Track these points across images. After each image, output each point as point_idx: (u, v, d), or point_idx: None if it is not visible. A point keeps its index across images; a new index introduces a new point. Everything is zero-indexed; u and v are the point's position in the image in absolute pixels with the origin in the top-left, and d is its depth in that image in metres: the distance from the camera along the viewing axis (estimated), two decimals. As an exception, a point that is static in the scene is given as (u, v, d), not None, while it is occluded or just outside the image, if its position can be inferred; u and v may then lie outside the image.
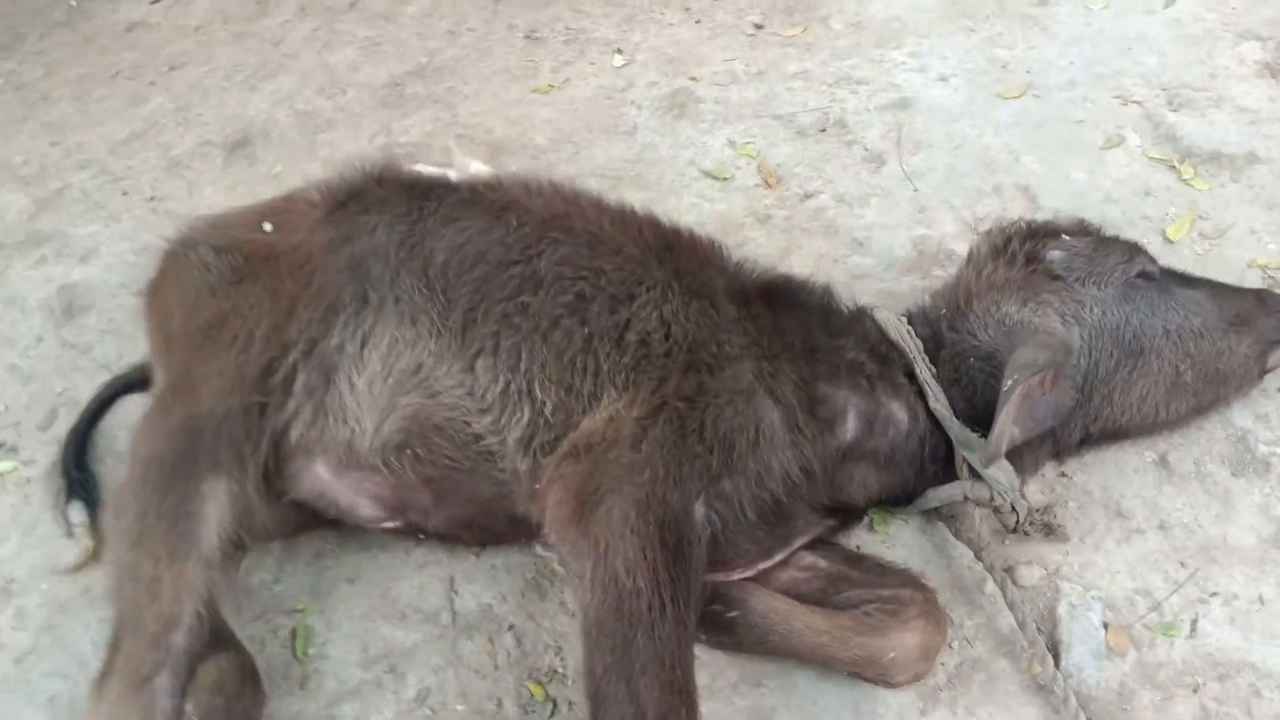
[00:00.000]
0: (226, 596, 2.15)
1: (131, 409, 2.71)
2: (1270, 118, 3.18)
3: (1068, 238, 2.34)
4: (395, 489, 2.16)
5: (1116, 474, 2.39)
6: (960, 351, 2.29)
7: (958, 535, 2.28)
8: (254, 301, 2.20)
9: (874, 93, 3.50)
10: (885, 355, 2.28)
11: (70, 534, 2.49)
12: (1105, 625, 2.11)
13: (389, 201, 2.33)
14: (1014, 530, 2.27)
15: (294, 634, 2.27)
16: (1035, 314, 2.26)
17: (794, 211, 3.11)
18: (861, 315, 2.40)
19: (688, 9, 4.21)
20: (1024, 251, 2.34)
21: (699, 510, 1.97)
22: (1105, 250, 2.33)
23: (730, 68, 3.75)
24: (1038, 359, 2.13)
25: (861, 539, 2.34)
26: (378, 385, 2.13)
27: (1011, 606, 2.12)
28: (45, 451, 2.71)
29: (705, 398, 2.04)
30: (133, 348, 2.92)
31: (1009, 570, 2.23)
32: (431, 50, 4.09)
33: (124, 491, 2.12)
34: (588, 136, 3.53)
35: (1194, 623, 2.11)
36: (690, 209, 3.18)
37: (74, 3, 4.85)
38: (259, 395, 2.12)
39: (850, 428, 2.18)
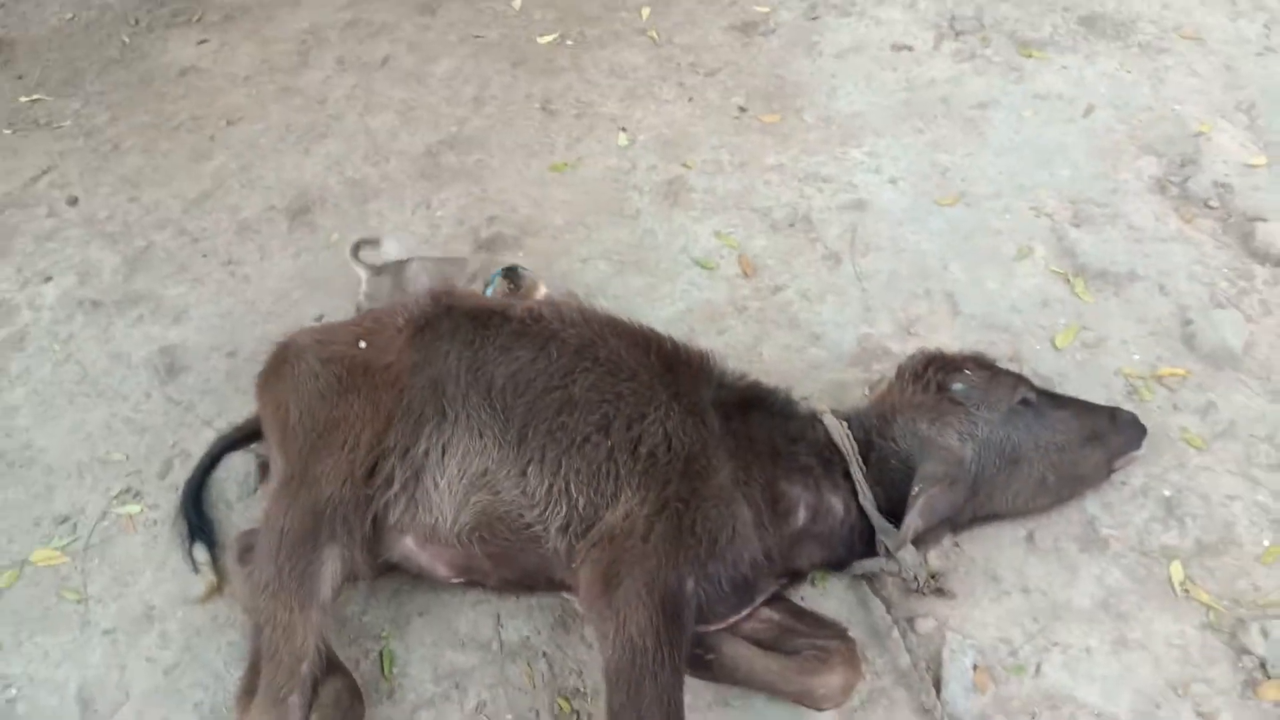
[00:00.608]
0: (333, 629, 2.92)
1: (236, 463, 3.44)
2: (1153, 237, 3.92)
3: (969, 372, 3.10)
4: (464, 558, 2.91)
5: (995, 546, 3.17)
6: (884, 455, 3.06)
7: (875, 593, 3.08)
8: (359, 412, 2.90)
9: (835, 191, 4.19)
10: (829, 459, 3.04)
11: (196, 571, 3.20)
12: (975, 666, 2.93)
13: (457, 330, 3.02)
14: (915, 591, 3.07)
15: (381, 656, 3.04)
16: (939, 432, 3.03)
17: (765, 303, 3.83)
18: (813, 420, 3.14)
19: (681, 84, 4.84)
20: (935, 380, 3.10)
21: (690, 585, 2.74)
22: (997, 382, 3.09)
23: (717, 156, 4.41)
24: (938, 472, 2.92)
25: (806, 591, 3.13)
26: (455, 484, 2.86)
27: (909, 650, 2.93)
28: (165, 497, 3.40)
29: (697, 500, 2.80)
30: (228, 406, 3.61)
31: (910, 620, 3.03)
32: (460, 119, 4.69)
33: (261, 554, 2.83)
34: (597, 219, 4.20)
35: (1038, 666, 2.92)
36: (682, 295, 3.89)
37: (126, 39, 5.35)
38: (366, 488, 2.85)
39: (801, 517, 2.95)
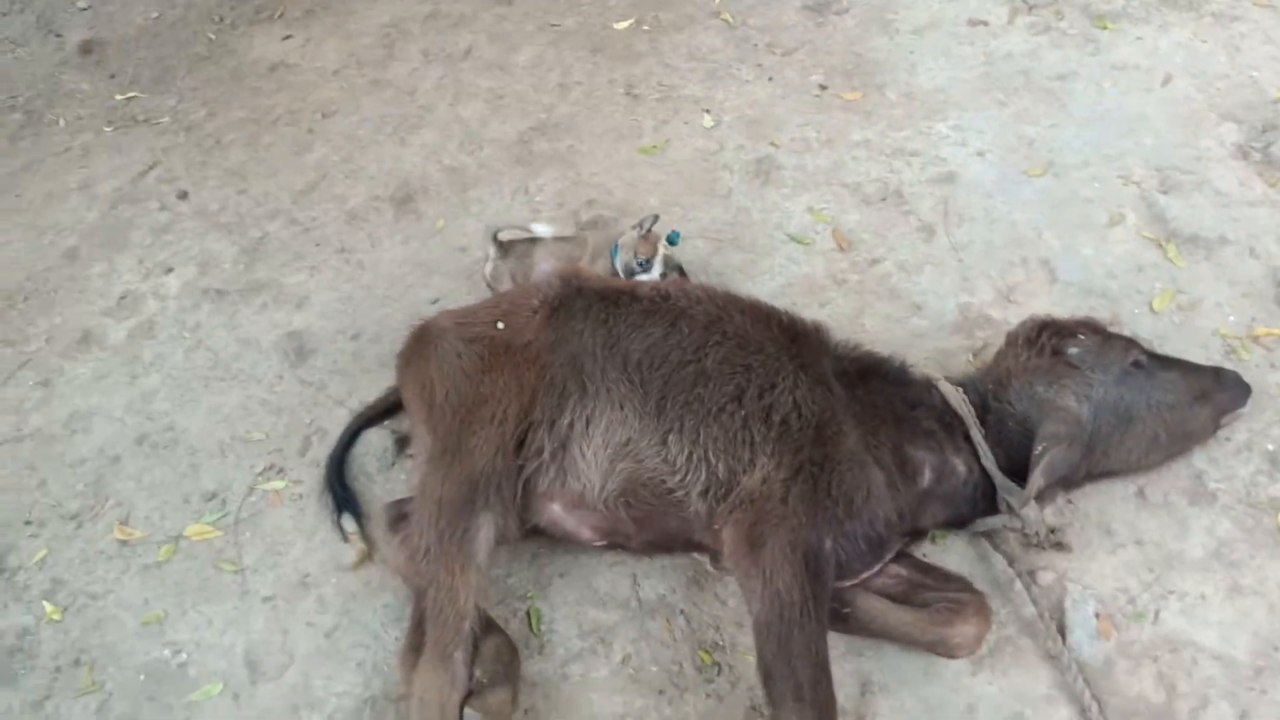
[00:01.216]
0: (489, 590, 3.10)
1: (373, 439, 3.61)
2: (1240, 201, 4.03)
3: (1082, 336, 3.24)
4: (610, 522, 3.08)
5: (1108, 502, 3.31)
6: (1001, 418, 3.20)
7: (995, 548, 3.23)
8: (505, 388, 3.07)
9: (924, 165, 4.32)
10: (949, 423, 3.18)
11: (346, 540, 3.38)
12: (1097, 615, 3.08)
13: (590, 309, 3.18)
14: (1035, 545, 3.23)
15: (528, 614, 3.21)
16: (1057, 394, 3.17)
17: (864, 276, 3.97)
18: (929, 386, 3.29)
19: (760, 65, 4.96)
20: (1050, 345, 3.24)
21: (828, 544, 2.90)
22: (1109, 345, 3.22)
23: (803, 134, 4.54)
24: (1059, 432, 3.06)
25: (926, 549, 3.29)
26: (600, 453, 3.02)
27: (1034, 601, 3.08)
28: (307, 473, 3.58)
29: (830, 463, 2.95)
30: (358, 385, 3.78)
31: (1031, 574, 3.18)
32: (548, 106, 4.83)
33: (420, 523, 3.00)
34: (691, 199, 4.34)
35: (1157, 613, 3.07)
36: (780, 270, 4.03)
37: (212, 36, 5.52)
38: (516, 459, 3.02)
39: (927, 478, 3.11)
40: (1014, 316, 3.74)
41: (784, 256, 4.08)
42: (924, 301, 3.85)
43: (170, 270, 4.27)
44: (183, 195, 4.60)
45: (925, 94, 4.63)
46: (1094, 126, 4.39)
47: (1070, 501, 3.36)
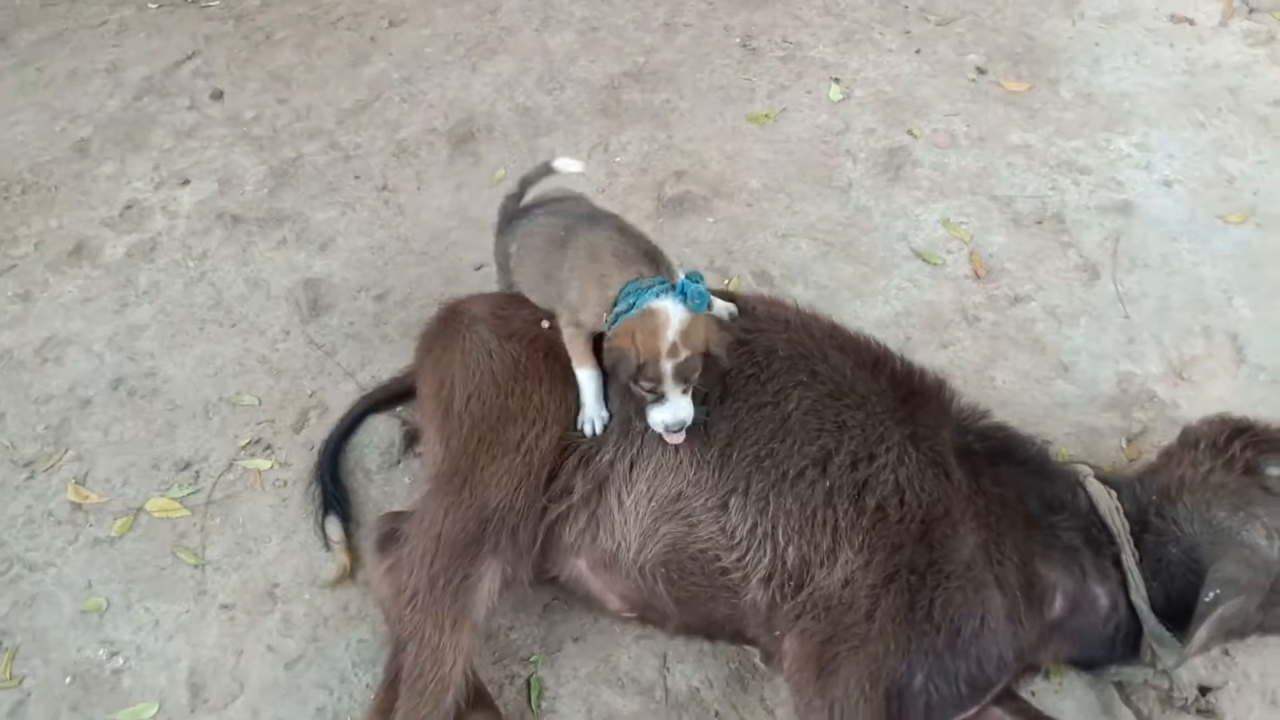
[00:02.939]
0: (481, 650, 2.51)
1: (379, 428, 3.02)
2: None
3: (1289, 456, 2.48)
4: (644, 594, 2.44)
5: (1275, 661, 2.61)
6: (1163, 541, 2.47)
7: (1126, 702, 2.54)
8: (539, 406, 2.42)
9: (1095, 187, 3.51)
10: (1095, 538, 2.47)
11: (328, 548, 2.82)
12: (1247, 812, 2.40)
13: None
14: (1179, 708, 2.52)
15: (528, 684, 2.62)
16: (1244, 525, 2.41)
17: (1002, 316, 3.22)
18: (1074, 484, 2.57)
19: (908, 33, 4.16)
20: (1243, 459, 2.49)
21: (918, 681, 2.24)
22: (1321, 473, 2.46)
23: (950, 125, 3.75)
24: (1241, 579, 2.32)
25: (1036, 685, 2.61)
26: (642, 506, 2.38)
27: (1166, 782, 2.41)
28: (298, 455, 3.01)
29: (936, 575, 2.27)
30: (374, 357, 3.20)
31: (1167, 744, 2.50)
32: (648, 48, 4.10)
33: (412, 558, 2.40)
34: (801, 187, 3.60)
35: (1327, 826, 2.38)
36: (899, 292, 3.30)
37: (282, -84, 4.84)
38: (542, 498, 2.39)
39: (1058, 608, 2.40)
40: (1185, 399, 3.00)
41: (904, 276, 3.34)
42: (1074, 362, 3.10)
43: (186, 183, 3.68)
44: (217, 95, 3.99)
45: (1107, 98, 3.79)
46: (1316, 169, 3.55)
47: (1227, 653, 2.63)
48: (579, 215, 2.51)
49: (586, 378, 2.35)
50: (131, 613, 2.74)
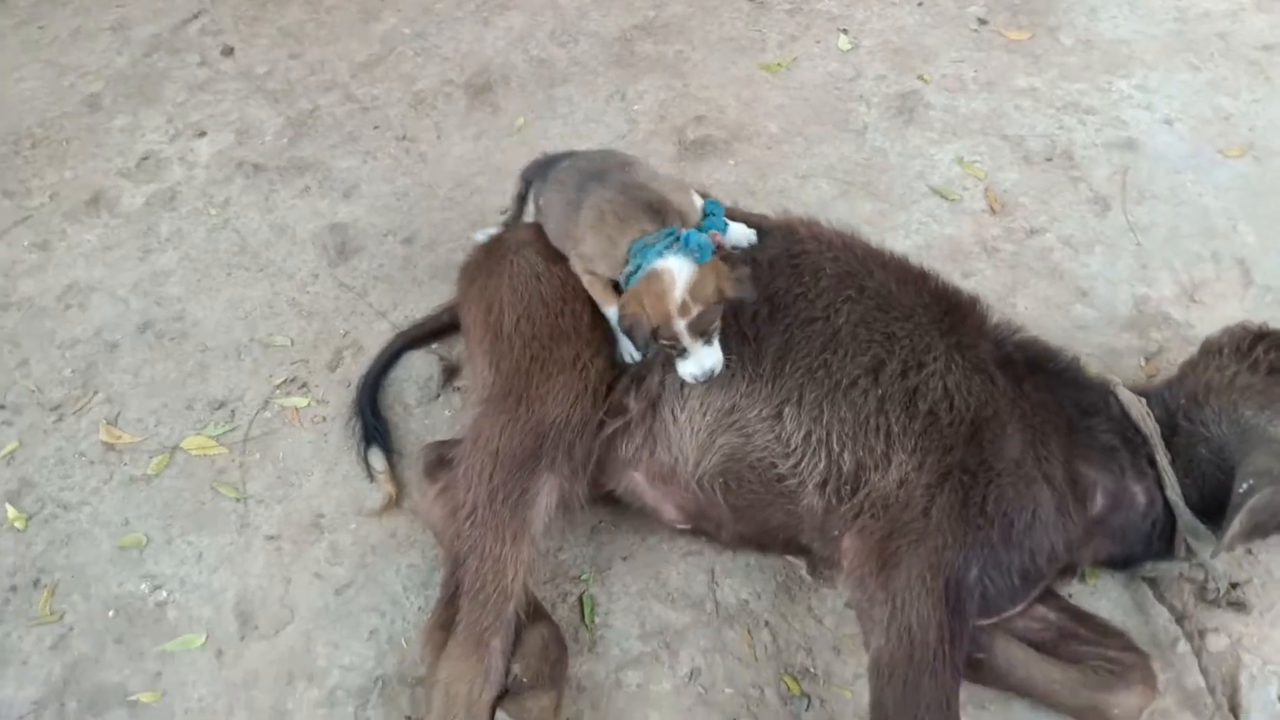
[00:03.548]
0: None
1: (416, 364, 3.03)
2: None
3: (1310, 354, 2.59)
4: (701, 505, 2.48)
5: (1299, 558, 2.72)
6: (1193, 442, 2.56)
7: (1159, 599, 2.63)
8: (591, 325, 2.46)
9: (1101, 126, 3.62)
10: (1132, 440, 2.55)
11: (372, 479, 2.82)
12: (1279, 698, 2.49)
13: (707, 239, 2.55)
14: (1211, 602, 2.61)
15: (580, 601, 2.65)
16: (1271, 421, 2.51)
17: (1020, 247, 3.31)
18: (1106, 393, 2.65)
19: (909, -13, 4.25)
20: (1267, 360, 2.59)
21: (975, 573, 2.30)
22: (1342, 371, 2.57)
23: (958, 71, 3.85)
24: (1274, 469, 2.42)
25: (1072, 587, 2.68)
26: (697, 421, 2.42)
27: (1203, 671, 2.48)
28: (335, 392, 3.01)
29: (987, 473, 2.34)
30: (405, 298, 3.20)
31: (1201, 634, 2.58)
32: (657, 3, 4.15)
33: (469, 476, 2.42)
34: (818, 130, 3.67)
35: (1356, 707, 2.48)
36: (919, 227, 3.38)
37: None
38: (598, 413, 2.42)
39: (1099, 505, 2.48)
40: (1198, 320, 3.11)
41: (923, 212, 3.42)
42: (1091, 288, 3.19)
43: (203, 134, 3.66)
44: (228, 51, 3.97)
45: (1106, 44, 3.91)
46: (1308, 106, 3.69)
47: (1250, 552, 2.74)
48: (588, 173, 2.50)
49: (614, 315, 2.38)
50: (173, 547, 2.73)
